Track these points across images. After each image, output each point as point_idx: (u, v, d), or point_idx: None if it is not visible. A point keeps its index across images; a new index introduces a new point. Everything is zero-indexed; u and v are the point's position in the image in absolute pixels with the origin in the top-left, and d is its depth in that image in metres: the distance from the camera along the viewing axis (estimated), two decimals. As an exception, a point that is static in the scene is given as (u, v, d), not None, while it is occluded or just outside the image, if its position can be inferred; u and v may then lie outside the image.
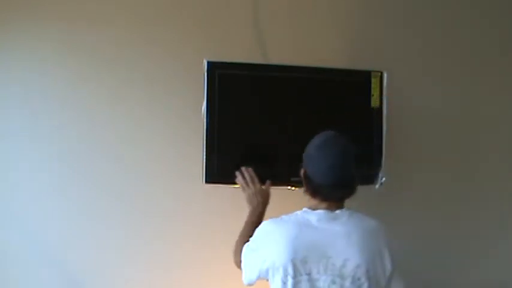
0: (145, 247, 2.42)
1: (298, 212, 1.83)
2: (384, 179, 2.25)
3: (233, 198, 2.41)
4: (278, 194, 2.38)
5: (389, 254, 1.79)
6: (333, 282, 1.72)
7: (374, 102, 2.35)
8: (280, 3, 2.54)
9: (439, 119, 2.65)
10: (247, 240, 1.92)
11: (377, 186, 2.26)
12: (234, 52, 2.43)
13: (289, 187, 2.31)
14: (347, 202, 1.85)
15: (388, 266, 1.78)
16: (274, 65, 2.36)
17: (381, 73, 2.36)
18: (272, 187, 2.18)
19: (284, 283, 1.73)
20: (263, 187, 2.13)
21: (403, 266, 1.83)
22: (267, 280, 1.80)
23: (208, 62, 2.23)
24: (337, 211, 1.80)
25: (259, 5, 2.51)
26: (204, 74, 2.22)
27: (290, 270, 1.72)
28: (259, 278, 1.82)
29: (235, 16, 2.51)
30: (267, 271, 1.77)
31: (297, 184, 2.29)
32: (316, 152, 1.82)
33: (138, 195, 2.42)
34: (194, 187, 2.33)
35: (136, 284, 2.40)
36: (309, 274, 1.73)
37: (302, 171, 1.86)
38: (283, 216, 1.83)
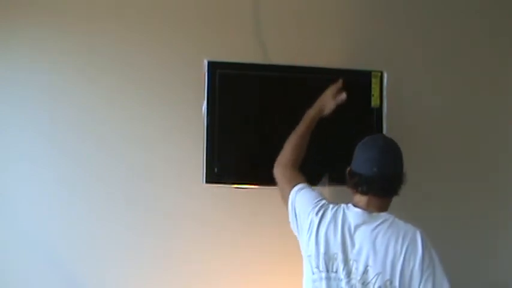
0: (145, 246, 2.41)
1: (343, 205, 1.86)
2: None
3: (233, 198, 2.42)
4: (278, 194, 2.39)
5: (421, 264, 1.73)
6: (354, 286, 1.72)
7: (374, 102, 2.36)
8: (280, 4, 2.54)
9: (439, 119, 2.65)
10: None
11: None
12: (234, 52, 2.43)
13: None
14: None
15: (416, 276, 1.72)
16: (274, 65, 2.36)
17: (381, 73, 2.36)
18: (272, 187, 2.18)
19: (313, 274, 1.77)
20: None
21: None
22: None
23: (208, 62, 2.23)
24: (374, 213, 1.80)
25: (260, 5, 2.51)
26: (204, 74, 2.22)
27: (320, 264, 1.77)
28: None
29: (236, 16, 2.51)
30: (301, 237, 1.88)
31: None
32: (360, 146, 1.89)
33: (138, 195, 2.42)
34: (194, 187, 2.33)
35: (136, 283, 2.40)
36: (335, 272, 1.74)
37: (348, 169, 1.91)
38: (331, 205, 1.88)
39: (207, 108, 2.22)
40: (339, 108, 2.23)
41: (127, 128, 2.43)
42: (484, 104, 2.71)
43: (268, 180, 2.28)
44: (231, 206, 2.45)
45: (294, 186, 1.96)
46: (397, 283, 1.70)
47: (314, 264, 1.78)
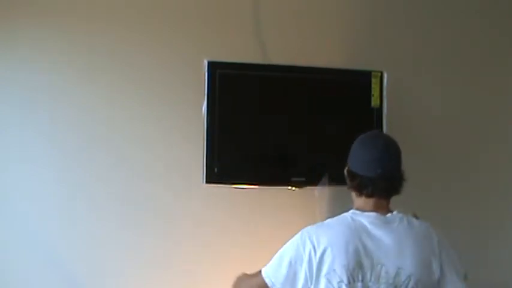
0: (145, 246, 2.41)
1: (347, 215, 1.75)
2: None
3: (233, 198, 2.42)
4: (278, 194, 2.39)
5: (439, 260, 1.71)
6: None
7: (374, 102, 2.36)
8: (280, 4, 2.54)
9: (439, 119, 2.65)
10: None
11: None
12: (234, 52, 2.43)
13: (289, 187, 2.32)
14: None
15: (436, 272, 1.71)
16: (274, 65, 2.36)
17: (381, 73, 2.36)
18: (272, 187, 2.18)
19: None
20: None
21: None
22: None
23: (208, 62, 2.23)
24: (388, 215, 1.74)
25: (260, 5, 2.51)
26: (204, 74, 2.22)
27: (344, 277, 1.64)
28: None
29: (236, 16, 2.51)
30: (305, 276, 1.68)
31: (297, 184, 2.30)
32: (359, 146, 1.79)
33: (138, 195, 2.41)
34: (194, 187, 2.33)
35: (136, 283, 2.40)
36: (362, 281, 1.65)
37: (346, 169, 1.82)
38: (329, 221, 1.76)
39: (207, 108, 2.21)
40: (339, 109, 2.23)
41: (127, 128, 2.43)
42: (484, 104, 2.71)
43: (268, 180, 2.28)
44: (231, 206, 2.45)
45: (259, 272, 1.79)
46: (427, 281, 1.68)
47: (337, 279, 1.64)
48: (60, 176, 2.39)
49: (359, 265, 1.65)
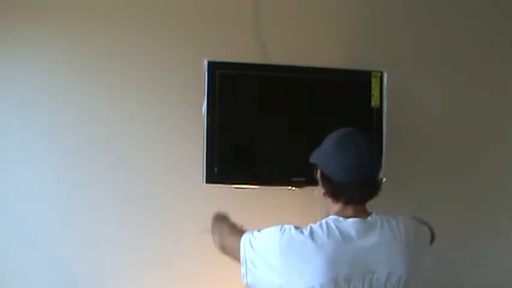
0: (145, 246, 2.41)
1: (329, 221, 1.62)
2: (384, 179, 2.24)
3: (233, 198, 2.42)
4: (278, 194, 2.39)
5: (419, 250, 1.67)
6: None
7: (374, 102, 2.35)
8: (280, 4, 2.54)
9: (439, 119, 2.65)
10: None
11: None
12: (234, 52, 2.43)
13: (289, 187, 2.32)
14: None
15: (420, 262, 1.67)
16: (274, 65, 2.36)
17: (381, 73, 2.36)
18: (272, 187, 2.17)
19: None
20: None
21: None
22: None
23: (208, 62, 2.23)
24: (369, 218, 1.64)
25: (260, 5, 2.51)
26: (204, 74, 2.22)
27: None
28: None
29: (236, 16, 2.51)
30: None
31: (297, 184, 2.30)
32: (335, 148, 1.66)
33: (138, 195, 2.42)
34: (194, 187, 2.33)
35: (136, 283, 2.40)
36: None
37: (318, 173, 1.70)
38: (312, 226, 1.62)
39: (207, 108, 2.21)
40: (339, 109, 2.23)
41: (127, 128, 2.43)
42: (484, 104, 2.71)
43: (268, 180, 2.28)
44: (231, 206, 2.44)
45: (242, 233, 1.72)
46: (415, 276, 1.63)
47: None
48: (60, 176, 2.39)
49: (349, 276, 1.55)
